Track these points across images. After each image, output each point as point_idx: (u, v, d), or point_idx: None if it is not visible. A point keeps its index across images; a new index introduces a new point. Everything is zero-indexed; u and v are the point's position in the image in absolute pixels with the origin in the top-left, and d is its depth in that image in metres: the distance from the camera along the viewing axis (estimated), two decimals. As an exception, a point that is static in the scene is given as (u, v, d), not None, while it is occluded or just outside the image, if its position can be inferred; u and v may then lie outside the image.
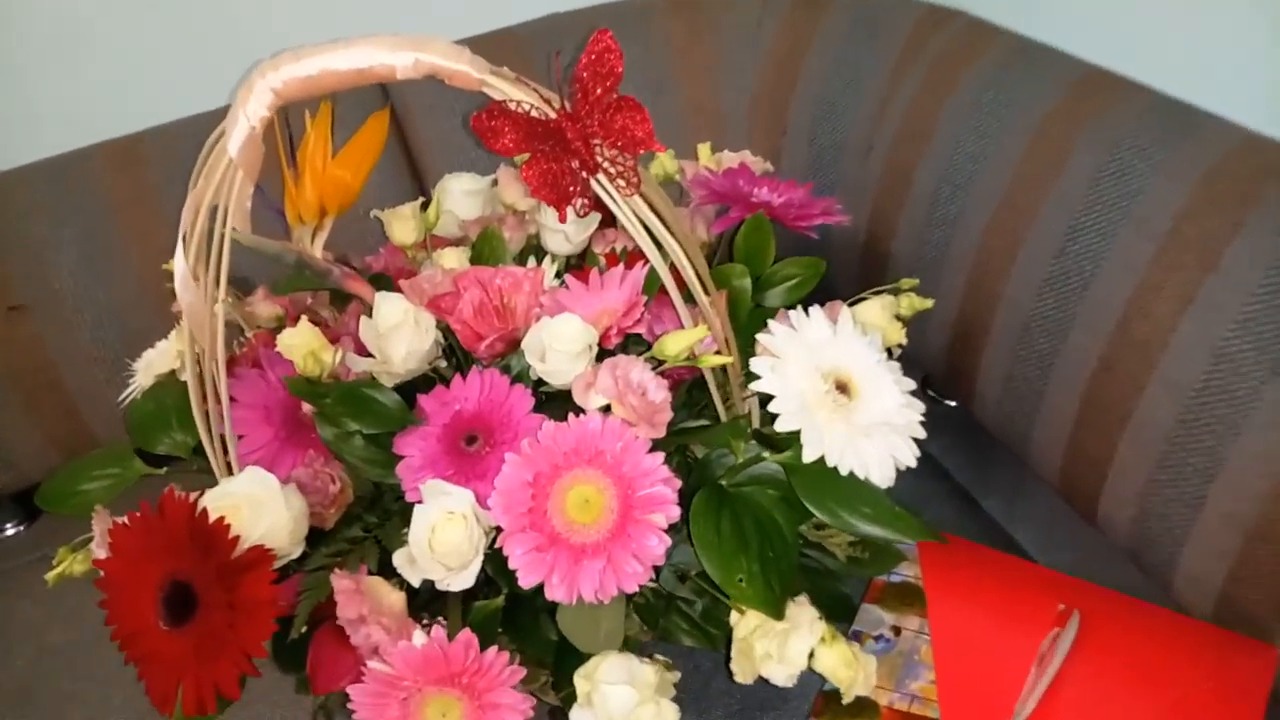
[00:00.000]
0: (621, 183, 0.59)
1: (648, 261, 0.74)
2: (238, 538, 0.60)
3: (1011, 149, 0.81)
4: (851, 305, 0.71)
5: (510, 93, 0.57)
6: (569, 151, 0.58)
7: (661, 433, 0.58)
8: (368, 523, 0.67)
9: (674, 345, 0.58)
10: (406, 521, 0.66)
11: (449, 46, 0.57)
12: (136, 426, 0.74)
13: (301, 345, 0.64)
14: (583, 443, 0.59)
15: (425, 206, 0.82)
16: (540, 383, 0.69)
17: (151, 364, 0.81)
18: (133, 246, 0.99)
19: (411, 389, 0.74)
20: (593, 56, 0.58)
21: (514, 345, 0.71)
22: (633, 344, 0.72)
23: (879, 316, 0.68)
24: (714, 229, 0.76)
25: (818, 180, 0.99)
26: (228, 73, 1.01)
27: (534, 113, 0.57)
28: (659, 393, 0.58)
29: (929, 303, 0.71)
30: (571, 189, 0.58)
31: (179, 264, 0.61)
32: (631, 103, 0.58)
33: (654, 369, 0.60)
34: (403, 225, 0.76)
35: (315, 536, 0.66)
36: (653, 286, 0.69)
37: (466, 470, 0.66)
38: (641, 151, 0.58)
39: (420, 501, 0.65)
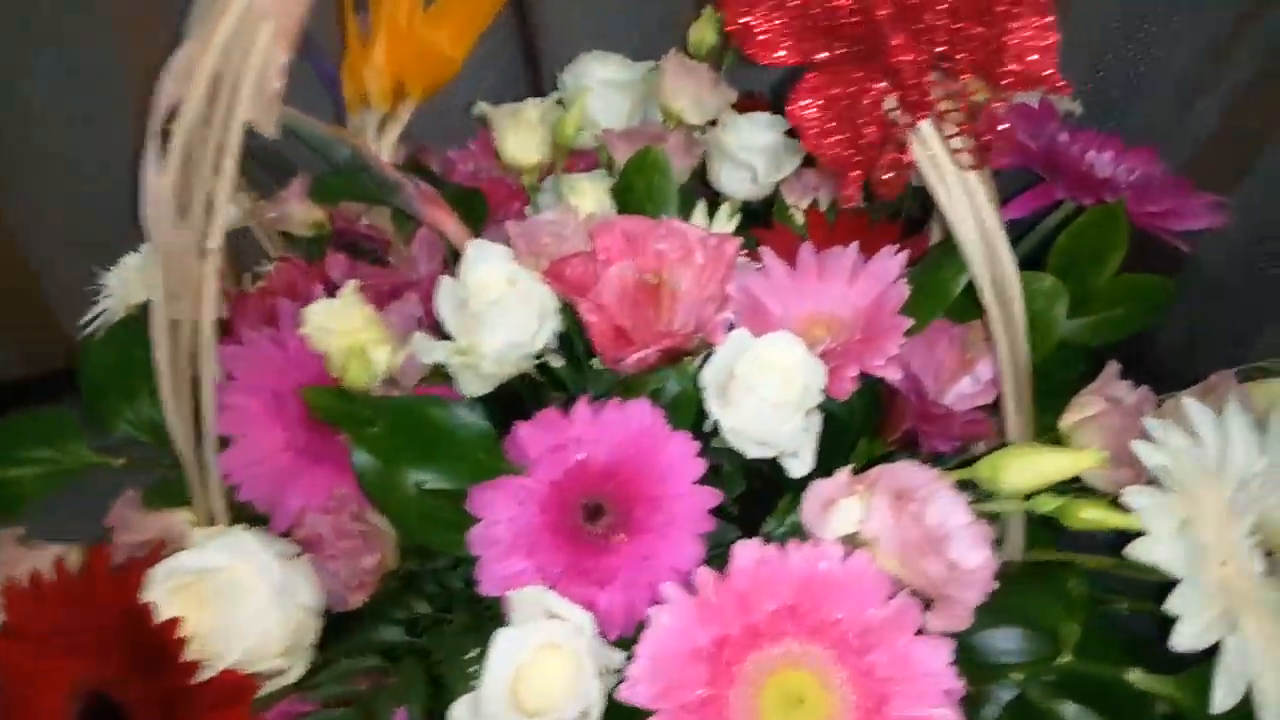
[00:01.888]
0: (963, 145, 0.32)
1: (902, 245, 0.47)
2: (198, 662, 0.36)
3: None
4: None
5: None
6: (886, 72, 0.31)
7: (966, 621, 0.32)
8: (414, 613, 0.43)
9: (1023, 474, 0.32)
10: (478, 630, 0.42)
11: None
12: (89, 388, 0.50)
13: (343, 335, 0.38)
14: (807, 597, 0.34)
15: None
16: (712, 431, 0.44)
17: (128, 282, 0.56)
18: (141, 83, 0.73)
19: (502, 398, 0.49)
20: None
21: (675, 358, 0.46)
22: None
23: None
24: (1012, 210, 0.48)
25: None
26: None
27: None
28: (975, 552, 0.32)
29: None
30: (875, 142, 0.32)
31: (149, 181, 0.35)
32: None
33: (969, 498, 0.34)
34: (522, 135, 0.49)
35: (329, 628, 0.43)
36: (933, 305, 0.43)
37: (584, 565, 0.42)
38: (1028, 91, 0.31)
39: (502, 608, 0.41)
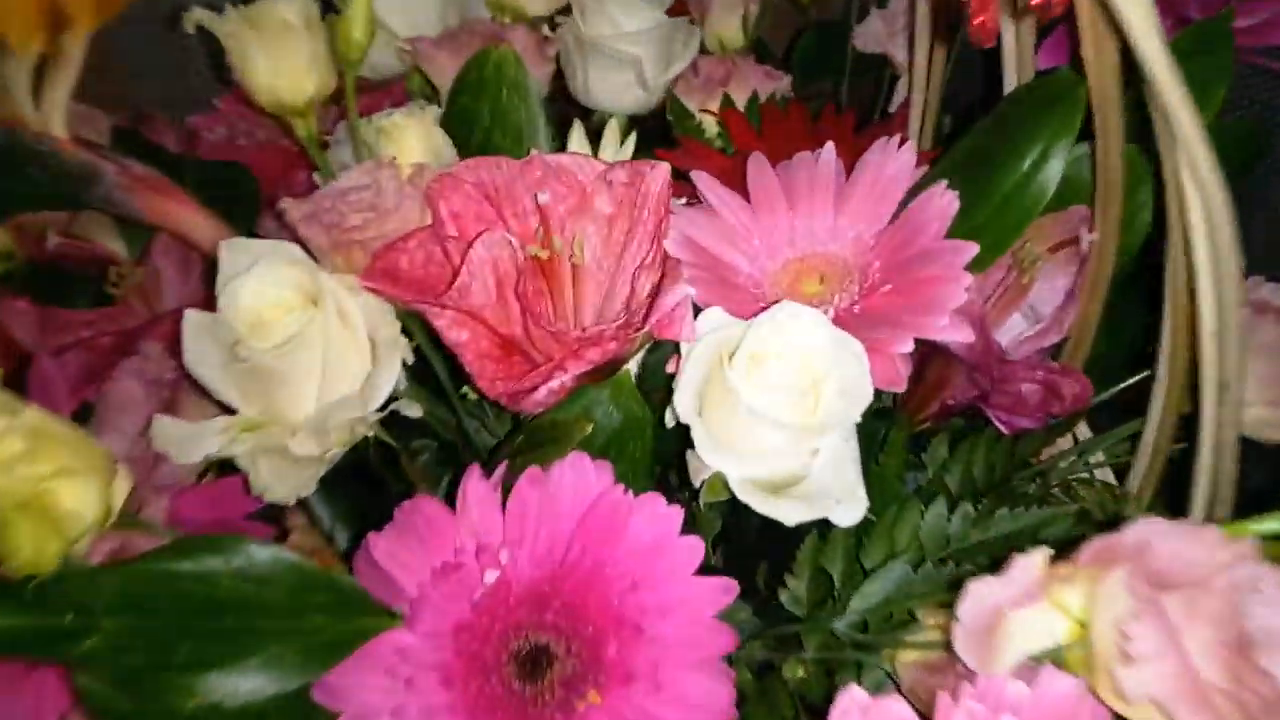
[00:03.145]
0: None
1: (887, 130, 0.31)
2: None
3: None
4: None
5: None
6: None
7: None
8: None
9: None
10: None
11: None
12: None
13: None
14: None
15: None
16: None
17: None
18: None
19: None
20: None
21: (607, 372, 0.28)
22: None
23: None
24: (1044, 58, 0.32)
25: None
26: None
27: None
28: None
29: None
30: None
31: None
32: None
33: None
34: (279, 52, 0.29)
35: None
36: (1018, 212, 0.27)
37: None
38: None
39: None
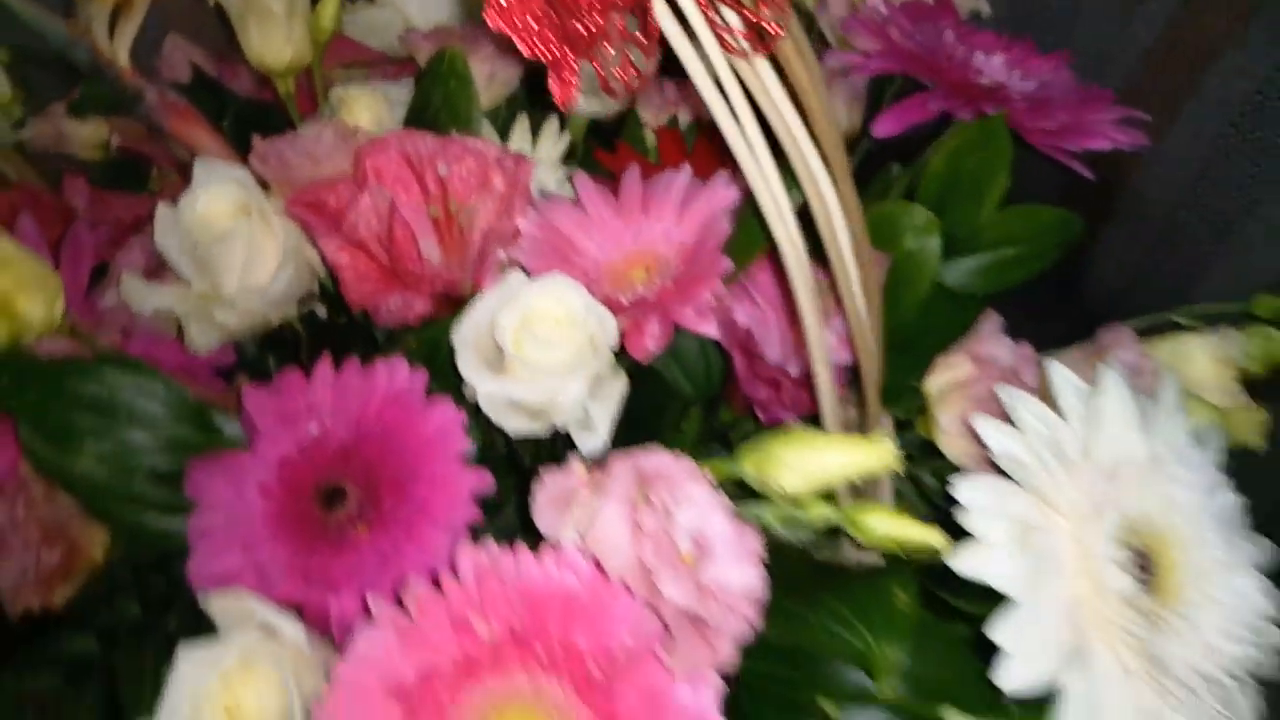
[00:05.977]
0: (740, 22, 0.24)
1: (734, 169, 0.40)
2: None
3: None
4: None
5: None
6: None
7: (718, 661, 0.26)
8: (124, 617, 0.37)
9: (795, 471, 0.25)
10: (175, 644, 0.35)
11: None
12: None
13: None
14: (543, 618, 0.27)
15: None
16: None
17: None
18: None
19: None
20: None
21: (453, 306, 0.38)
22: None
23: (1211, 377, 0.34)
24: (879, 128, 0.40)
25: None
26: None
27: None
28: (741, 571, 0.25)
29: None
30: (593, 21, 0.24)
31: None
32: None
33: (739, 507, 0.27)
34: (266, 29, 0.41)
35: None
36: (751, 243, 0.36)
37: (313, 564, 0.35)
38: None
39: (206, 605, 0.34)
